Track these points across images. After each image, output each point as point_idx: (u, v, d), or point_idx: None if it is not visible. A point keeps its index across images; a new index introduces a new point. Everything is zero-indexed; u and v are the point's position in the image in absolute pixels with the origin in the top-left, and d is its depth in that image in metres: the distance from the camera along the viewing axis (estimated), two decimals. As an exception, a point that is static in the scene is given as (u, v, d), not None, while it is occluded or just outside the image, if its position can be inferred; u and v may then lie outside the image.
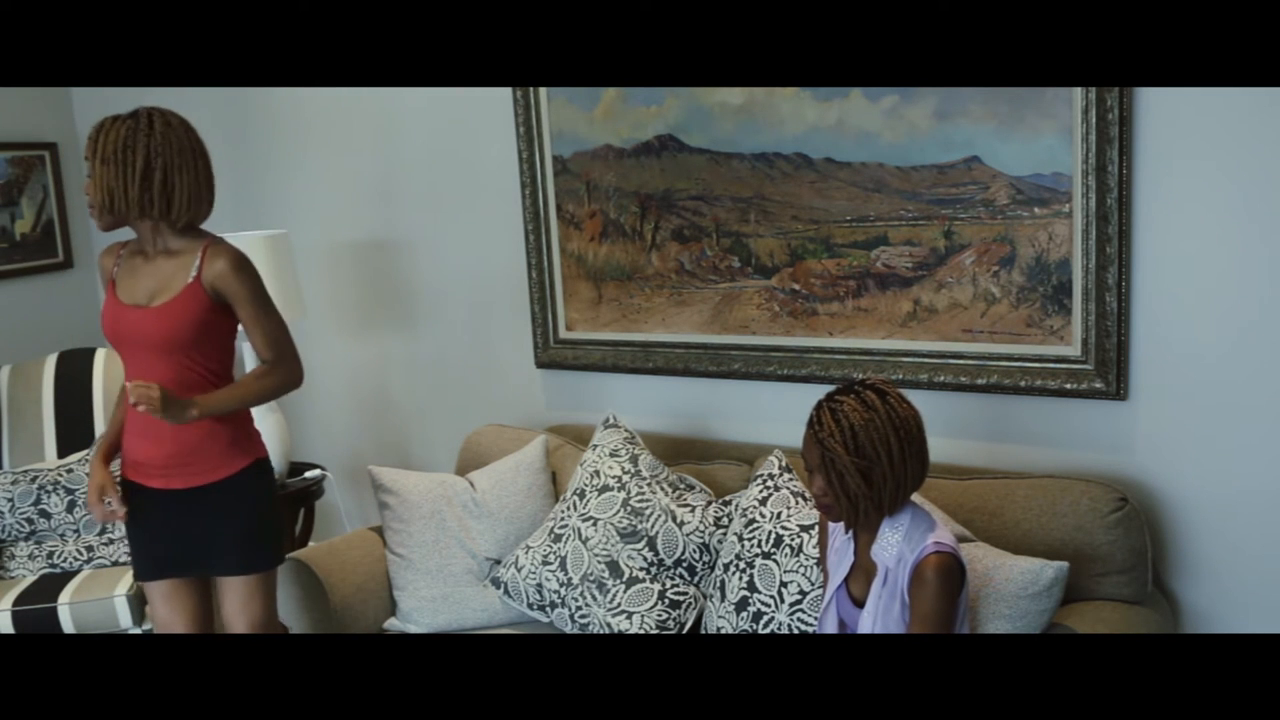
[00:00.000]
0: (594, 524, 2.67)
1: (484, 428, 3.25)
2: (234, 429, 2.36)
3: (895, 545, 1.91)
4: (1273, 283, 2.22)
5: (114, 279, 2.37)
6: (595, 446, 2.81)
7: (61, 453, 3.52)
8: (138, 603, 3.08)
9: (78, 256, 4.46)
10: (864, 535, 1.98)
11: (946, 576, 1.86)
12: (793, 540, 2.38)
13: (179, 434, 2.31)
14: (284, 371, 2.38)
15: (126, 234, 2.40)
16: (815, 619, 2.26)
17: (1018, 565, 2.12)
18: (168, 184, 2.25)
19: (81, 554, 3.30)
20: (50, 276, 4.37)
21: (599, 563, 2.63)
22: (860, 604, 1.98)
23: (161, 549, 2.38)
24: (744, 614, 2.40)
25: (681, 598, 2.56)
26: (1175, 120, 2.26)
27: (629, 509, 2.65)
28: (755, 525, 2.45)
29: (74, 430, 3.55)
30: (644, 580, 2.58)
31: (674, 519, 2.60)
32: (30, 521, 3.31)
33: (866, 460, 1.85)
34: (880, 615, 1.92)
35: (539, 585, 2.71)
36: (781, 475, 2.51)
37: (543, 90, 3.11)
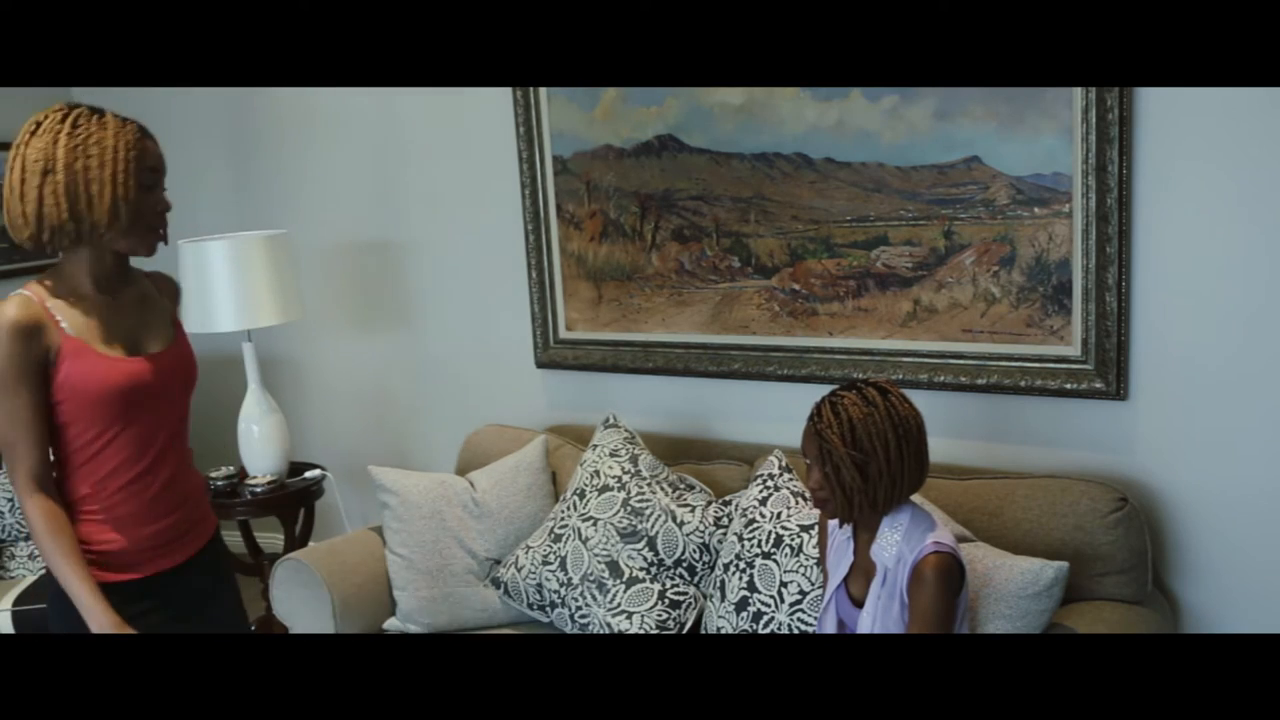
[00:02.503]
0: (594, 524, 2.67)
1: (484, 428, 3.25)
2: None
3: (894, 545, 1.91)
4: (1273, 282, 2.22)
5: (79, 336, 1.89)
6: (595, 446, 2.81)
7: (61, 453, 3.52)
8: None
9: (78, 256, 4.45)
10: (863, 535, 1.98)
11: (945, 576, 1.86)
12: (793, 540, 2.38)
13: (185, 490, 2.02)
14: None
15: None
16: (815, 619, 2.26)
17: (1018, 565, 2.12)
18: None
19: (81, 554, 3.30)
20: (50, 276, 4.36)
21: (599, 563, 2.63)
22: (859, 604, 1.98)
23: (189, 625, 2.00)
24: (744, 614, 2.40)
25: (681, 598, 2.56)
26: (1175, 120, 2.26)
27: (629, 509, 2.65)
28: (755, 525, 2.45)
29: (74, 430, 3.55)
30: (644, 580, 2.58)
31: (674, 519, 2.60)
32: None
33: (863, 454, 1.85)
34: (879, 615, 1.92)
35: (539, 585, 2.71)
36: (781, 475, 2.51)
37: (543, 90, 3.11)
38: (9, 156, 1.85)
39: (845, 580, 2.02)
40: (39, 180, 1.80)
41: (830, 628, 2.06)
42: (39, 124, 1.83)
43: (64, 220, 1.81)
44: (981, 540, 2.28)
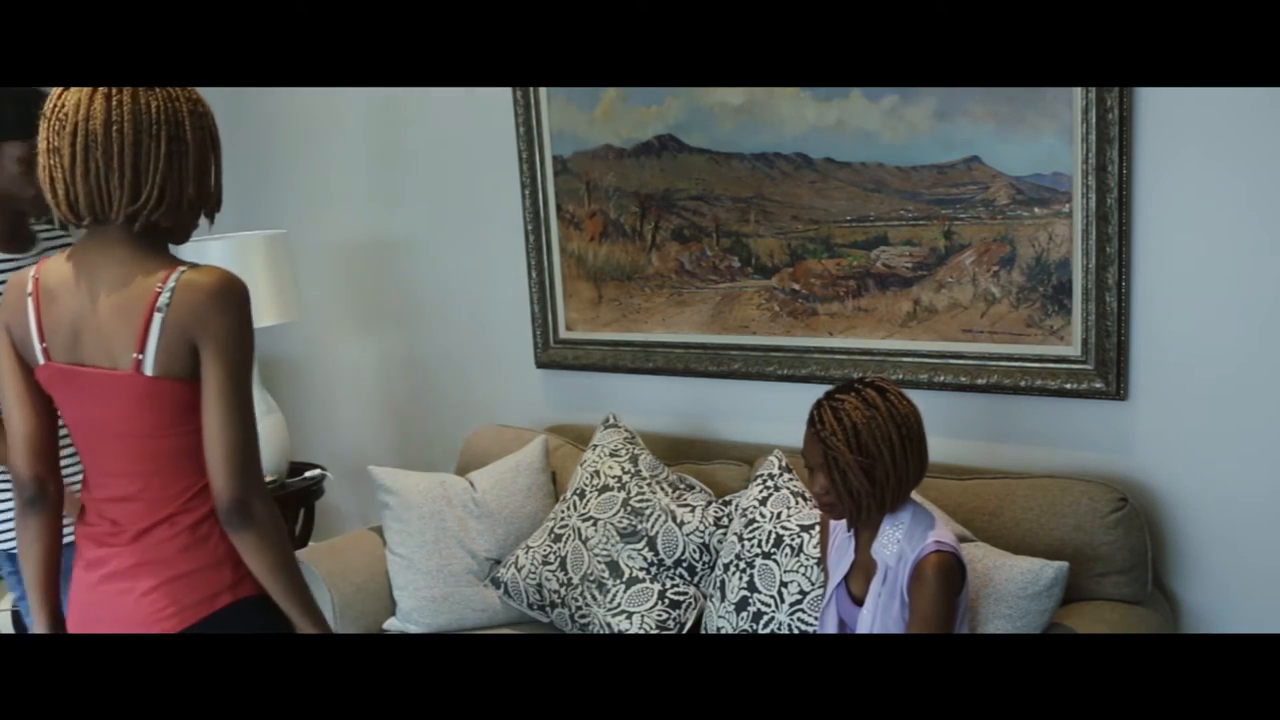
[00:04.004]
0: (594, 524, 2.67)
1: (484, 428, 3.25)
2: None
3: (896, 543, 1.91)
4: (1273, 283, 2.22)
5: None
6: (595, 446, 2.81)
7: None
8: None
9: (78, 256, 4.44)
10: (865, 533, 1.98)
11: (946, 575, 1.86)
12: (793, 540, 2.38)
13: None
14: None
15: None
16: (815, 619, 2.26)
17: (1018, 565, 2.12)
18: None
19: (81, 554, 3.30)
20: (50, 276, 4.35)
21: (599, 563, 2.63)
22: (860, 602, 1.98)
23: None
24: (744, 614, 2.39)
25: (681, 598, 2.56)
26: (1175, 120, 2.26)
27: (629, 509, 2.65)
28: (755, 525, 2.45)
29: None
30: (644, 580, 2.58)
31: (674, 519, 2.60)
32: (30, 521, 3.30)
33: (869, 458, 1.85)
34: (879, 614, 1.92)
35: (539, 585, 2.71)
36: (781, 475, 2.51)
37: (543, 90, 3.11)
38: (76, 123, 1.54)
39: (846, 578, 2.02)
40: (166, 147, 1.57)
41: (831, 626, 2.06)
42: (114, 88, 1.56)
43: (186, 197, 1.61)
44: (981, 540, 2.28)
